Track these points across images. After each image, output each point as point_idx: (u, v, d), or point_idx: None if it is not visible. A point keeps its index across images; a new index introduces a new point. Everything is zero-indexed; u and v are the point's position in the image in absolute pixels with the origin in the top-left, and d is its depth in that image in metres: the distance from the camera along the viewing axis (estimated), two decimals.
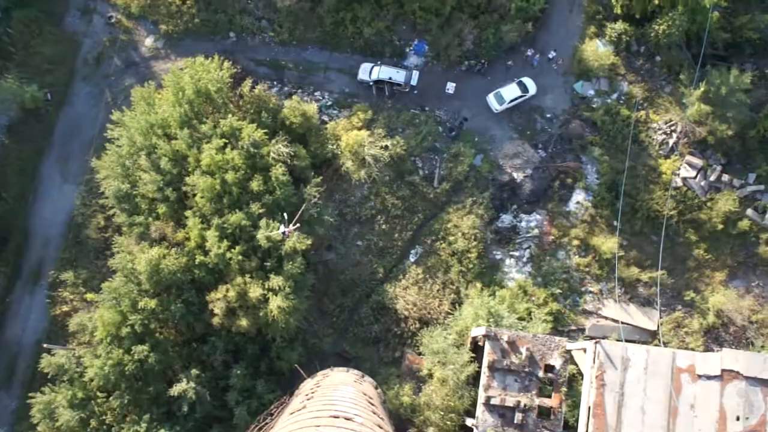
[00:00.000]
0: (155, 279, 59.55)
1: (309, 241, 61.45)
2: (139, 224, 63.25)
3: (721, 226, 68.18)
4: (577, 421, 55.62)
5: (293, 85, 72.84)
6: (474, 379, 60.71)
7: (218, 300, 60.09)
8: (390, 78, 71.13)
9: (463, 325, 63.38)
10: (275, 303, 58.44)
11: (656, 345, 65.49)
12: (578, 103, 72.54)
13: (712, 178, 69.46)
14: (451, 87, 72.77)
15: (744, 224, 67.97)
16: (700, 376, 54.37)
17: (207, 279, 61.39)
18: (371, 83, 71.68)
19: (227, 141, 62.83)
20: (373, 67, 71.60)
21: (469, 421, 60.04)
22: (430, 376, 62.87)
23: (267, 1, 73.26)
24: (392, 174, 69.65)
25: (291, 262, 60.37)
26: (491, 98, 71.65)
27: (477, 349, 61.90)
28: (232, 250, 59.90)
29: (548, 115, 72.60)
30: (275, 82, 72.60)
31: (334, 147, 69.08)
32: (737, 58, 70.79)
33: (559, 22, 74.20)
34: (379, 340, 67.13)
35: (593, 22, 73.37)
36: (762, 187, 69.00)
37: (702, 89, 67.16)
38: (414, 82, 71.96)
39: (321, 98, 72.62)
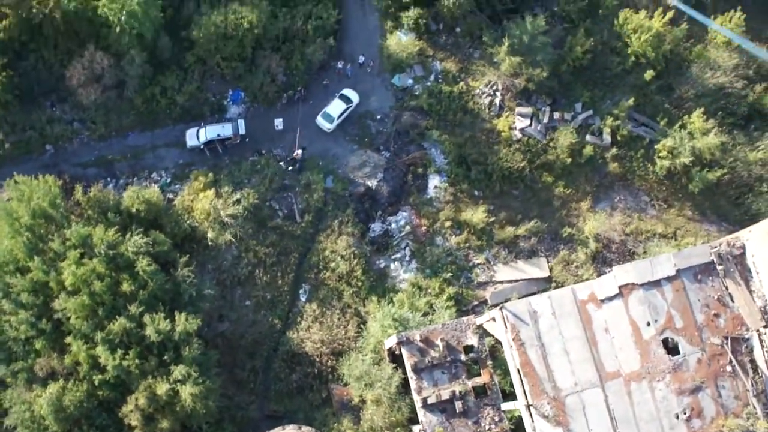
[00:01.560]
0: (62, 417, 56.65)
1: (198, 320, 59.96)
2: (22, 370, 59.84)
3: (569, 160, 71.32)
4: (513, 386, 56.80)
5: (127, 174, 70.92)
6: (405, 387, 60.98)
7: (131, 412, 57.71)
8: (218, 135, 70.57)
9: (375, 342, 63.54)
10: (187, 392, 56.71)
11: (555, 288, 67.74)
12: (402, 96, 74.25)
13: (545, 120, 72.67)
14: (279, 123, 72.95)
15: (588, 150, 71.41)
16: (602, 301, 56.75)
17: (113, 395, 58.85)
18: (202, 146, 70.82)
19: (82, 252, 60.53)
20: (198, 131, 70.85)
21: (415, 428, 60.26)
22: (363, 401, 62.62)
23: (72, 103, 71.01)
24: (254, 225, 68.85)
25: (188, 347, 58.80)
26: (320, 120, 72.32)
27: (396, 358, 62.17)
28: (127, 357, 57.72)
29: (379, 117, 73.93)
30: (109, 179, 70.51)
31: (190, 221, 67.69)
32: (526, 5, 74.42)
33: (357, 27, 75.96)
34: (302, 388, 66.15)
35: (388, 16, 75.55)
36: (590, 111, 72.93)
37: (507, 44, 70.34)
38: (242, 131, 71.58)
39: (159, 178, 71.06)
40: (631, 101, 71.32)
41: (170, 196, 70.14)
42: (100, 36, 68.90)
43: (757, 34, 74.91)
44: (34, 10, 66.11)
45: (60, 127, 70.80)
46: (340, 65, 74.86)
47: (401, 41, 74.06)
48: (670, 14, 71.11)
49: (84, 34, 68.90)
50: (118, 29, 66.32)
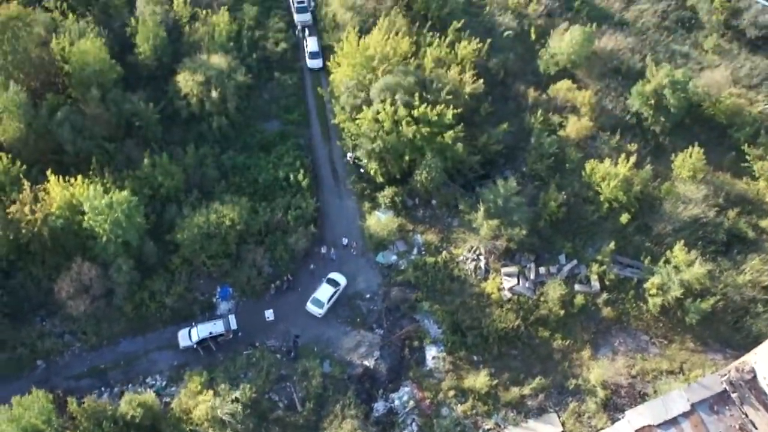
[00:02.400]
0: None
1: None
2: None
3: (562, 312, 71.26)
4: None
5: (121, 382, 69.49)
6: None
7: None
8: (210, 333, 70.28)
9: None
10: None
11: None
12: (388, 273, 75.16)
13: (532, 276, 73.30)
14: (270, 314, 73.00)
15: (579, 299, 71.54)
16: None
17: None
18: (195, 346, 70.24)
19: None
20: (190, 330, 70.63)
21: None
22: None
23: (62, 316, 70.96)
24: (255, 420, 66.88)
25: None
26: (310, 306, 72.62)
27: None
28: None
29: (368, 296, 74.37)
30: (103, 388, 68.98)
31: (190, 424, 65.66)
32: (496, 170, 77.71)
33: (336, 212, 78.45)
34: None
35: (364, 198, 78.43)
36: (575, 261, 73.83)
37: (482, 209, 72.55)
38: (234, 326, 71.38)
39: (154, 383, 69.75)
40: (612, 245, 72.60)
41: (167, 399, 68.49)
42: (87, 247, 70.40)
43: (718, 165, 77.86)
44: (23, 231, 67.98)
45: (51, 341, 70.30)
46: (324, 250, 76.34)
47: (380, 220, 76.13)
48: (633, 158, 74.15)
49: (70, 247, 70.43)
50: (104, 239, 67.96)
